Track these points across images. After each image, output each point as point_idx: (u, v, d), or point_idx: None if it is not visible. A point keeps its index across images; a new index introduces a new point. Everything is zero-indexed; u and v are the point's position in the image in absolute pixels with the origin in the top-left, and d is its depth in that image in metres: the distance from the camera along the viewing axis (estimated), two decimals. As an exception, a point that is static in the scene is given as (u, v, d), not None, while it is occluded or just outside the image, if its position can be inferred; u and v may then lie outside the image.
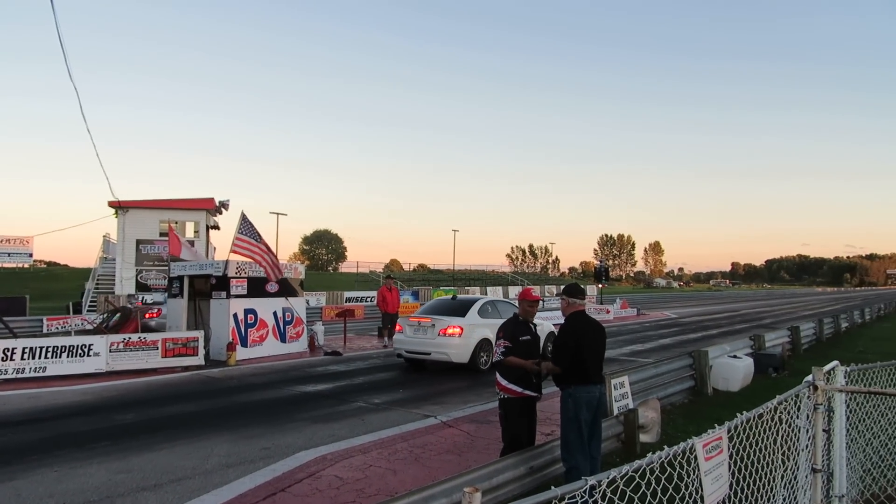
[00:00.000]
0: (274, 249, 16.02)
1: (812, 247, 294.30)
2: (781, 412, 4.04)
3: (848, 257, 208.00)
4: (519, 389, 5.68)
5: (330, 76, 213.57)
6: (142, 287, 33.39)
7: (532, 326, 5.95)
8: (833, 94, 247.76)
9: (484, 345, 13.04)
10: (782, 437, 4.09)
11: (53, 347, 12.51)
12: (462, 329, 12.79)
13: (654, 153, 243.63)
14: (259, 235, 15.17)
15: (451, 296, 16.58)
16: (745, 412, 3.75)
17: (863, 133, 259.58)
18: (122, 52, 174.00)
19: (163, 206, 35.42)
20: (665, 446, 3.19)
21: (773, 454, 4.00)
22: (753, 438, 3.79)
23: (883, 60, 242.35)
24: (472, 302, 13.73)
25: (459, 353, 12.77)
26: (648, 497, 2.99)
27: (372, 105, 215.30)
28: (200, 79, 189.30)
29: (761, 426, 3.85)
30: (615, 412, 7.72)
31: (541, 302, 6.33)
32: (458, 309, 13.45)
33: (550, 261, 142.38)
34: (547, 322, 14.20)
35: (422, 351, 13.21)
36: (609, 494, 2.82)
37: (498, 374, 5.81)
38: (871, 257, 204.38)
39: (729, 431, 3.52)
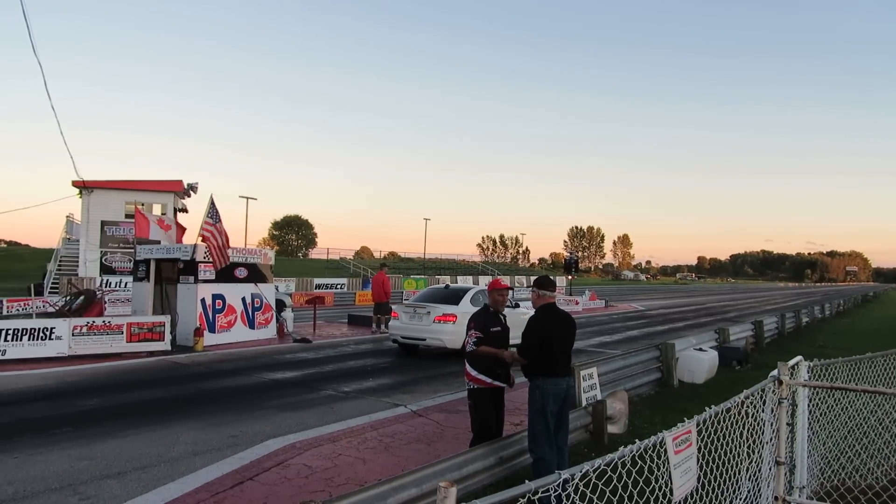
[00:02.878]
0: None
1: (775, 242, 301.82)
2: (748, 406, 4.11)
3: (809, 254, 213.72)
4: (488, 380, 5.71)
5: (300, 60, 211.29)
6: (106, 269, 32.74)
7: (502, 317, 5.98)
8: (799, 89, 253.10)
9: None
10: (748, 430, 4.17)
11: (14, 330, 12.17)
12: (456, 316, 13.26)
13: (625, 147, 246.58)
14: (219, 218, 14.96)
15: (443, 285, 16.86)
16: (713, 406, 3.80)
17: (827, 130, 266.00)
18: (87, 29, 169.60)
19: (129, 186, 34.71)
20: (636, 439, 3.22)
21: (739, 447, 4.07)
22: (721, 432, 3.85)
23: (849, 53, 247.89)
24: (464, 291, 14.17)
25: (453, 340, 13.11)
26: (619, 490, 3.01)
27: (344, 91, 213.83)
28: (169, 59, 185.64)
29: (729, 419, 3.91)
30: (583, 403, 7.81)
31: (510, 291, 6.34)
32: (452, 297, 13.88)
33: (521, 251, 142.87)
34: (532, 311, 14.46)
35: (417, 337, 13.62)
36: (581, 488, 2.83)
37: (468, 364, 5.83)
38: (832, 254, 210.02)
39: (698, 425, 3.57)
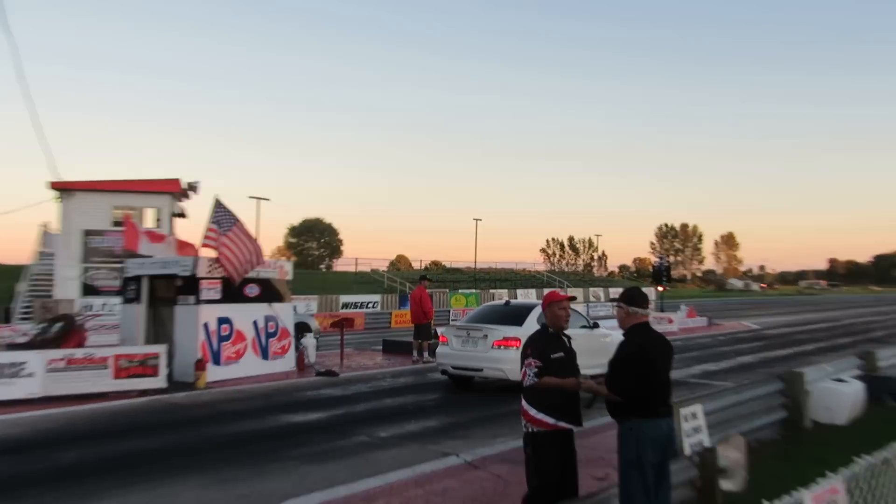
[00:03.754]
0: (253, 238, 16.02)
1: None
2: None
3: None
4: (551, 420, 5.58)
5: (321, 34, 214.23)
6: (89, 289, 33.66)
7: (565, 339, 5.86)
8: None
9: None
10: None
11: (-23, 366, 12.55)
12: (520, 340, 13.19)
13: (726, 125, 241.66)
14: (236, 219, 15.21)
15: (503, 301, 16.98)
16: (864, 455, 3.62)
17: None
18: (69, 1, 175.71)
19: (117, 188, 35.55)
20: (762, 500, 3.07)
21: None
22: (879, 490, 3.66)
23: None
24: (530, 308, 14.05)
25: (516, 370, 12.88)
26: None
27: (372, 70, 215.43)
28: (166, 40, 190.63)
29: (890, 475, 3.71)
30: (687, 451, 7.60)
31: (571, 301, 6.21)
32: (514, 316, 13.79)
33: (596, 257, 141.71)
34: (616, 332, 14.42)
35: (472, 366, 13.63)
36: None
37: (524, 401, 5.74)
38: None
39: (848, 482, 3.40)
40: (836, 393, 10.85)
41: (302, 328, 21.81)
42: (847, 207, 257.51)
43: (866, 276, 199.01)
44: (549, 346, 5.74)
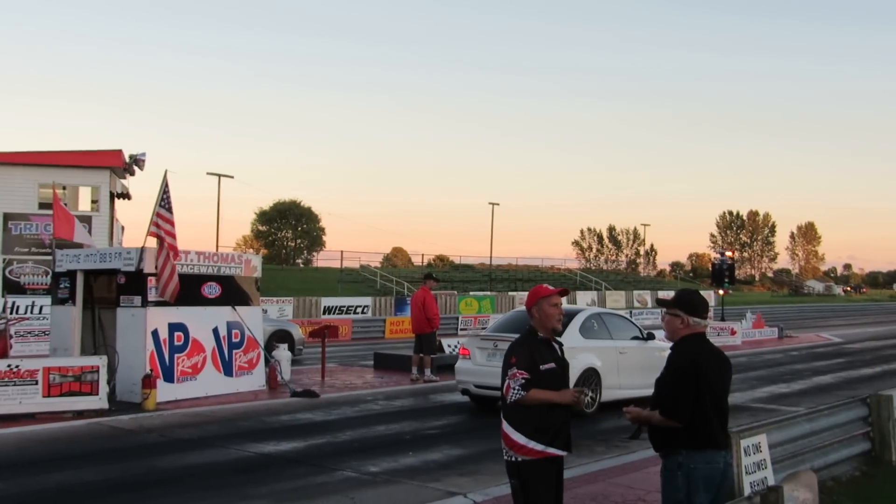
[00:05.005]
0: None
1: None
2: None
3: None
4: (539, 447, 5.58)
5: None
6: (11, 287, 33.72)
7: (556, 347, 5.87)
8: None
9: (590, 376, 14.11)
10: None
11: None
12: None
13: (803, 88, 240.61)
14: (170, 207, 15.16)
15: None
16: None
17: None
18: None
19: (45, 161, 35.41)
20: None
21: None
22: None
23: None
24: (570, 315, 14.25)
25: None
26: None
27: (360, 23, 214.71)
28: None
29: None
30: (746, 491, 7.64)
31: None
32: None
33: (642, 252, 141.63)
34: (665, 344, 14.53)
35: (500, 385, 13.58)
36: None
37: (505, 423, 5.72)
38: None
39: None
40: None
41: (282, 337, 21.80)
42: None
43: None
44: (537, 353, 5.71)
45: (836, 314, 65.98)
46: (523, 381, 5.56)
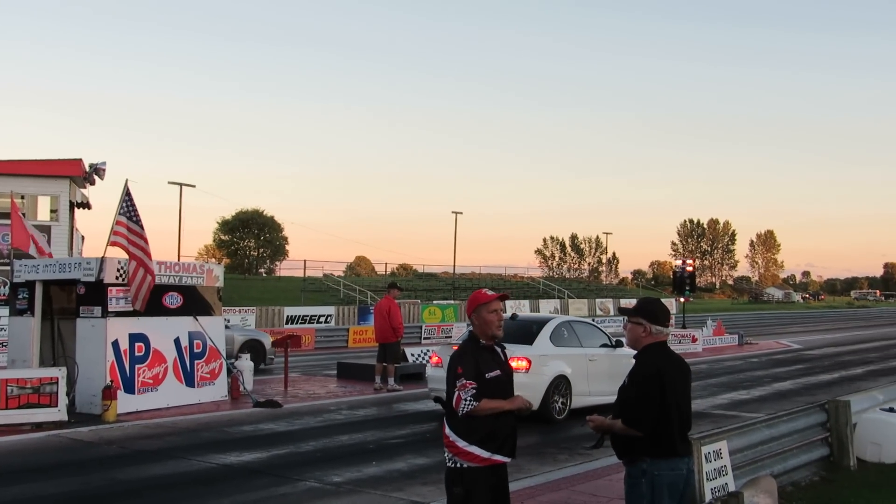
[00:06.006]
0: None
1: None
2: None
3: None
4: (485, 454, 5.54)
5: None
6: (-32, 299, 33.31)
7: (500, 352, 5.83)
8: None
9: (560, 384, 14.43)
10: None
11: None
12: (530, 362, 13.55)
13: (766, 101, 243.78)
14: (139, 219, 15.07)
15: (509, 314, 17.07)
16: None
17: None
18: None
19: (2, 171, 35.15)
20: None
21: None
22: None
23: None
24: (541, 323, 14.57)
25: (526, 396, 13.13)
26: None
27: (323, 33, 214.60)
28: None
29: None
30: (707, 498, 7.69)
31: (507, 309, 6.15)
32: (522, 333, 14.21)
33: (605, 260, 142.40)
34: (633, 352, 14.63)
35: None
36: None
37: (448, 429, 5.65)
38: None
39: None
40: (887, 425, 10.98)
41: (253, 346, 21.70)
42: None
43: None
44: (481, 363, 5.63)
45: (795, 321, 66.89)
46: (474, 391, 5.46)
